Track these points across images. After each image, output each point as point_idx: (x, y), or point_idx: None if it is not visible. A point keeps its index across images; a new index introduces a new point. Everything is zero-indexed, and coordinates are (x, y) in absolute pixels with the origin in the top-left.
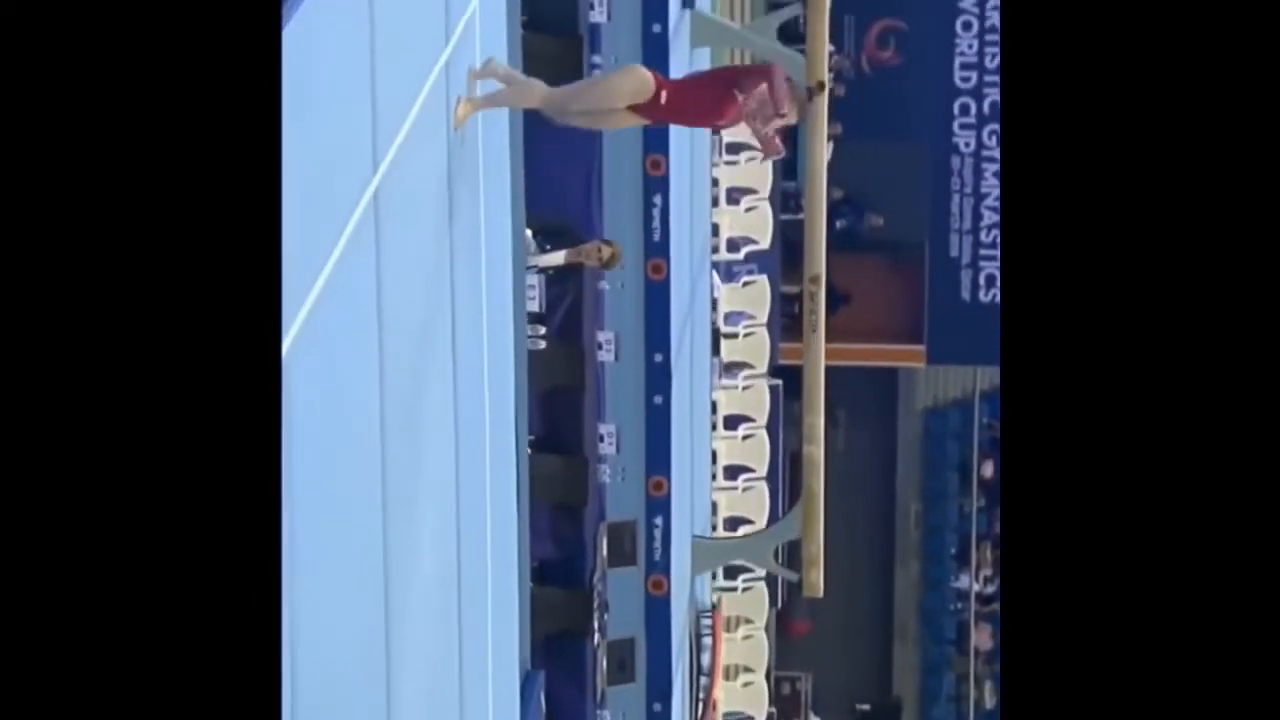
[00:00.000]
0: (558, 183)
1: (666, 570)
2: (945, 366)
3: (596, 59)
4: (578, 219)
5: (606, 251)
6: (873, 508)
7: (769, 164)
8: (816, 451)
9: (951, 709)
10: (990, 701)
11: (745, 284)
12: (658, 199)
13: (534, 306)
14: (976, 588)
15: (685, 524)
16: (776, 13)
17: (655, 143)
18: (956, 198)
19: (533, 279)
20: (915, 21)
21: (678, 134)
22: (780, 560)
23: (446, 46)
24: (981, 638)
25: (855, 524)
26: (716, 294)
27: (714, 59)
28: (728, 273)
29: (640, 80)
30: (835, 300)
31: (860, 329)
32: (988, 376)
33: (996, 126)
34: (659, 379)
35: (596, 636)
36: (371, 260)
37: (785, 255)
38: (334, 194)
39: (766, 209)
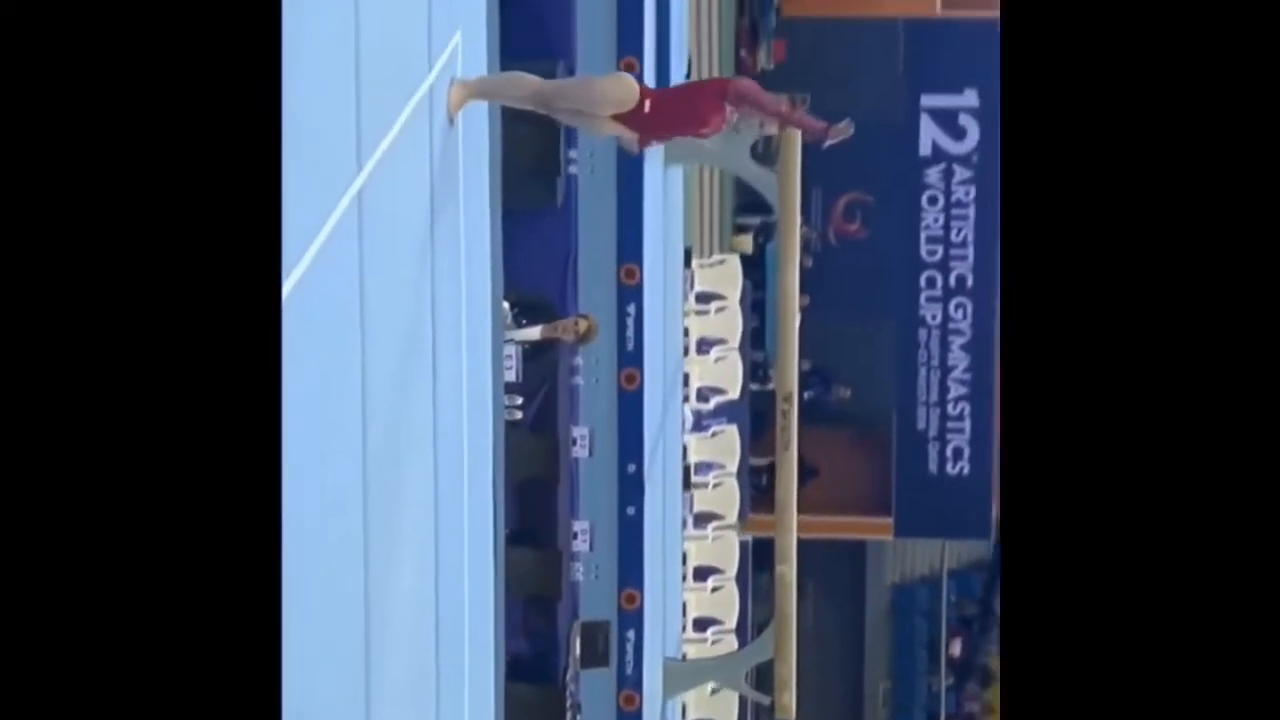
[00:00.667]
0: (535, 262)
1: (638, 686)
2: (913, 540)
3: (573, 153)
4: (554, 297)
5: (583, 325)
6: (841, 684)
7: (738, 316)
8: (789, 572)
9: None
10: None
11: (714, 434)
12: (631, 308)
13: (511, 377)
14: None
15: (658, 639)
16: (748, 131)
17: (629, 251)
18: (923, 371)
19: (510, 349)
20: (881, 195)
21: (651, 243)
22: (751, 683)
23: (429, 72)
24: None
25: (824, 699)
26: (686, 439)
27: (686, 177)
28: (697, 423)
29: (626, 88)
30: (803, 474)
31: (828, 502)
32: (955, 553)
33: (963, 299)
34: (632, 490)
35: None
36: (355, 319)
37: (754, 426)
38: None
39: (736, 359)
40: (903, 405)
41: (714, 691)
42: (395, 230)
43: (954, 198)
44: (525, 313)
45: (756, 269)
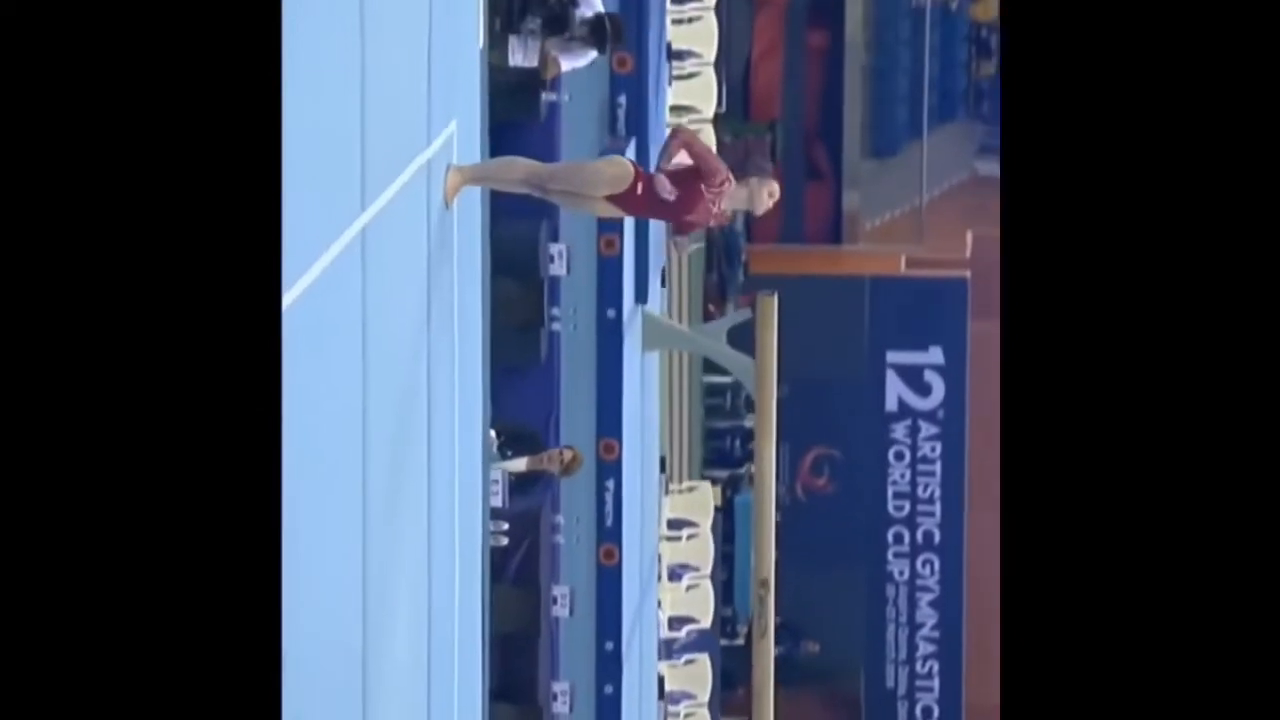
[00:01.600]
0: (520, 401)
1: None
2: None
3: (555, 310)
4: (540, 427)
5: (568, 455)
6: None
7: (710, 544)
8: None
9: None
10: None
11: (687, 662)
12: (610, 483)
13: (497, 502)
14: None
15: None
16: (726, 318)
17: (608, 426)
18: (891, 627)
19: (496, 473)
20: (848, 450)
21: (630, 418)
22: None
23: (428, 146)
24: None
25: None
26: (658, 668)
27: (662, 360)
28: (668, 650)
29: (620, 169)
30: None
31: None
32: None
33: (930, 555)
34: (610, 668)
35: None
36: (357, 346)
37: (722, 686)
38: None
39: (708, 587)
40: (871, 662)
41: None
42: (396, 283)
43: (920, 453)
44: (511, 443)
45: (726, 520)
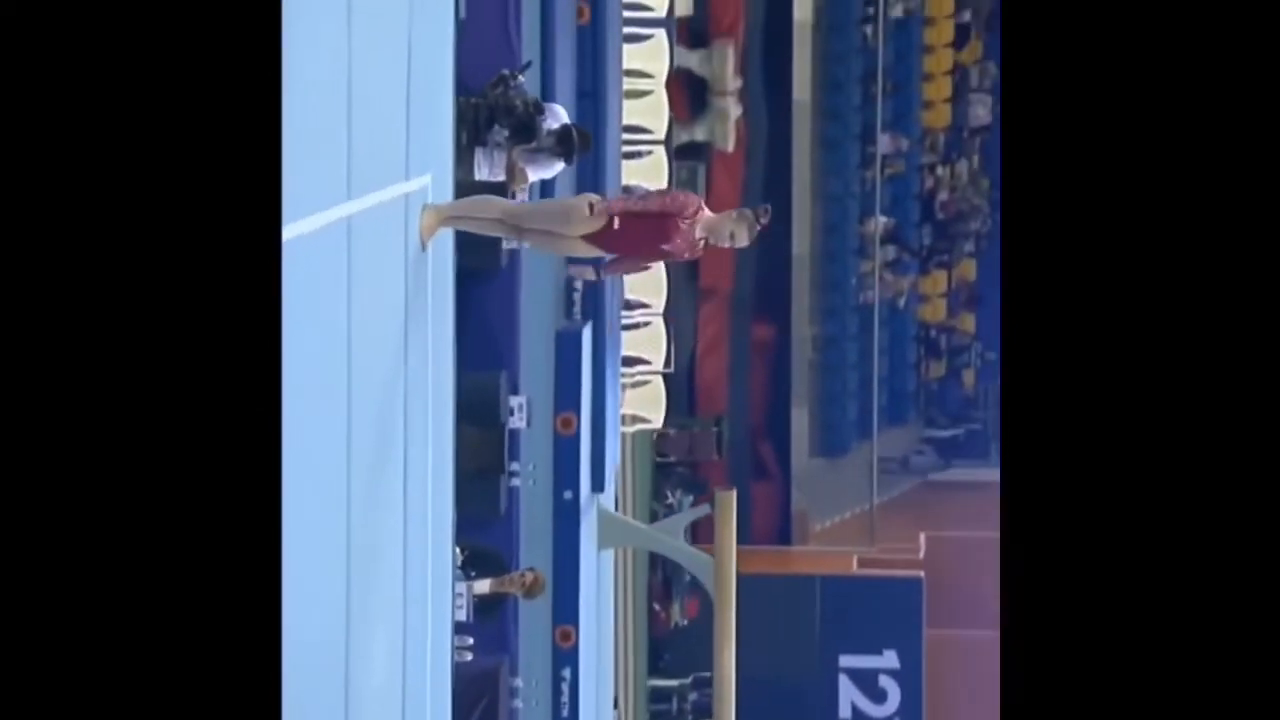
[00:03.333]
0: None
1: None
2: None
3: (515, 465)
4: (503, 548)
5: (529, 578)
6: None
7: None
8: None
9: None
10: None
11: None
12: (566, 671)
13: (461, 616)
14: None
15: None
16: (684, 513)
17: (565, 613)
18: None
19: (461, 587)
20: None
21: (586, 604)
22: None
23: (406, 180)
24: None
25: None
26: None
27: (618, 557)
28: None
29: (592, 211)
30: None
31: None
32: None
33: None
34: None
35: None
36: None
37: None
38: None
39: None
40: None
41: None
42: (377, 297)
43: None
44: (474, 562)
45: None
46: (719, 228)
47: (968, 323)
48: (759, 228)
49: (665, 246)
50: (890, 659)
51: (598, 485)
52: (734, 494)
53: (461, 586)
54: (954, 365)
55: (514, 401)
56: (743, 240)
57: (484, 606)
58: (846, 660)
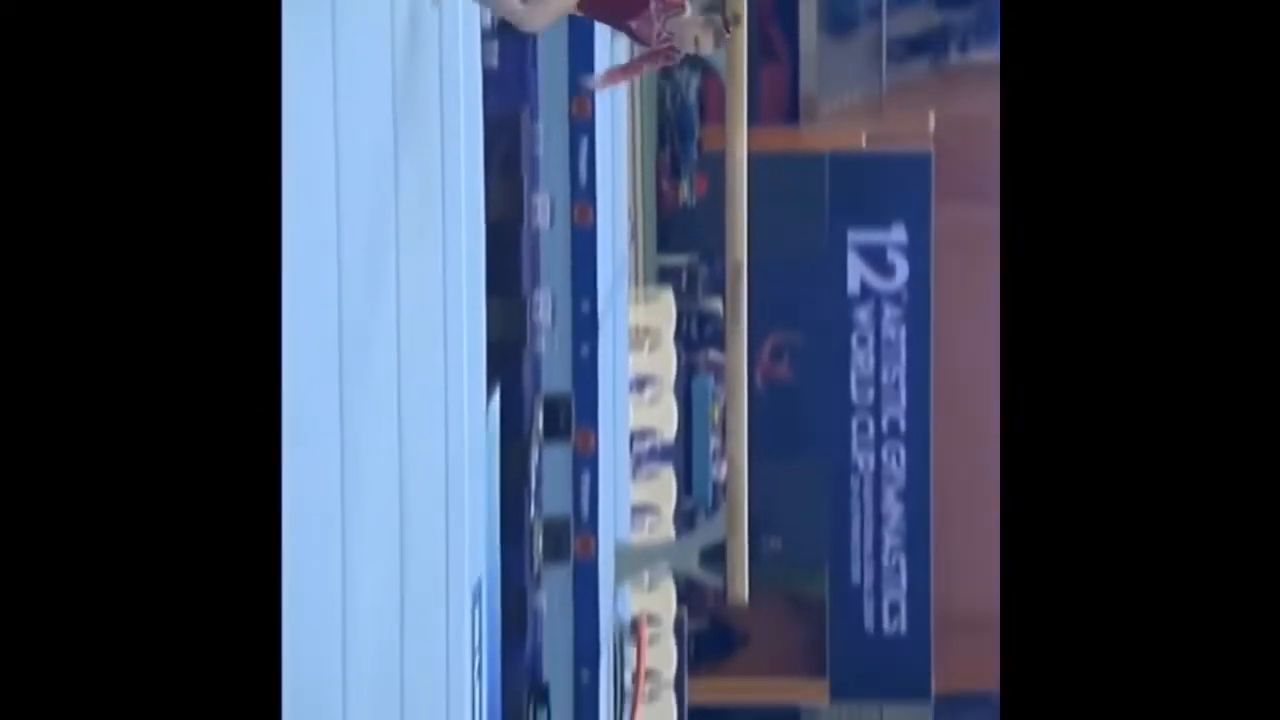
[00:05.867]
0: None
1: None
2: (849, 712)
3: None
4: None
5: None
6: None
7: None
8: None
9: None
10: None
11: None
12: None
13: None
14: None
15: None
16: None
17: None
18: (856, 520)
19: None
20: (809, 335)
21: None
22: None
23: None
24: None
25: None
26: None
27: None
28: None
29: None
30: (733, 641)
31: (760, 666)
32: None
33: (896, 444)
34: None
35: None
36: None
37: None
38: None
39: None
40: (836, 558)
41: (651, 587)
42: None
43: (884, 337)
44: None
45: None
46: (684, 31)
47: None
48: (726, 37)
49: (631, 23)
50: (899, 234)
51: None
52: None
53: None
54: None
55: None
56: (707, 48)
57: None
58: (855, 235)
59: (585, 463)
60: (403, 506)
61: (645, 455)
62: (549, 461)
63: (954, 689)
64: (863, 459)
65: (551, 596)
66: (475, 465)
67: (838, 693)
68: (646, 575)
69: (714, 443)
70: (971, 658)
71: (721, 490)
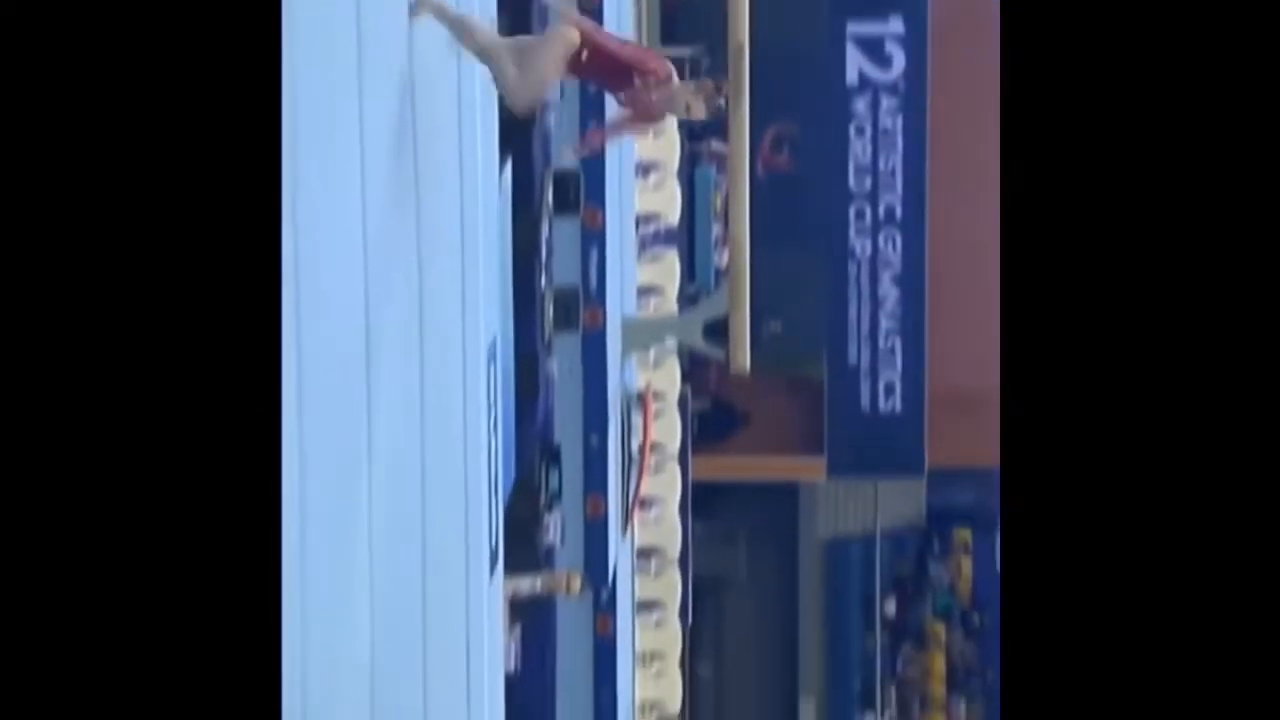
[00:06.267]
0: None
1: None
2: (846, 489)
3: None
4: None
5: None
6: (775, 640)
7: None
8: (742, 234)
9: None
10: None
11: None
12: None
13: None
14: None
15: None
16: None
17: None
18: (854, 304)
19: None
20: (808, 126)
21: None
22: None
23: None
24: None
25: (758, 655)
26: None
27: None
28: None
29: (567, 39)
30: (734, 421)
31: (760, 445)
32: (888, 512)
33: (892, 231)
34: None
35: None
36: None
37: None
38: None
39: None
40: (834, 340)
41: (656, 365)
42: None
43: (881, 127)
44: None
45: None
46: (676, 100)
47: None
48: (718, 101)
49: (619, 94)
50: (896, 25)
51: None
52: None
53: None
54: None
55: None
56: (699, 113)
57: None
58: (854, 27)
59: (593, 237)
60: (421, 268)
61: (650, 239)
62: (559, 235)
63: (946, 464)
64: (860, 245)
65: (562, 363)
66: (489, 233)
67: (834, 469)
68: (652, 353)
69: (716, 230)
70: (963, 434)
71: (724, 275)
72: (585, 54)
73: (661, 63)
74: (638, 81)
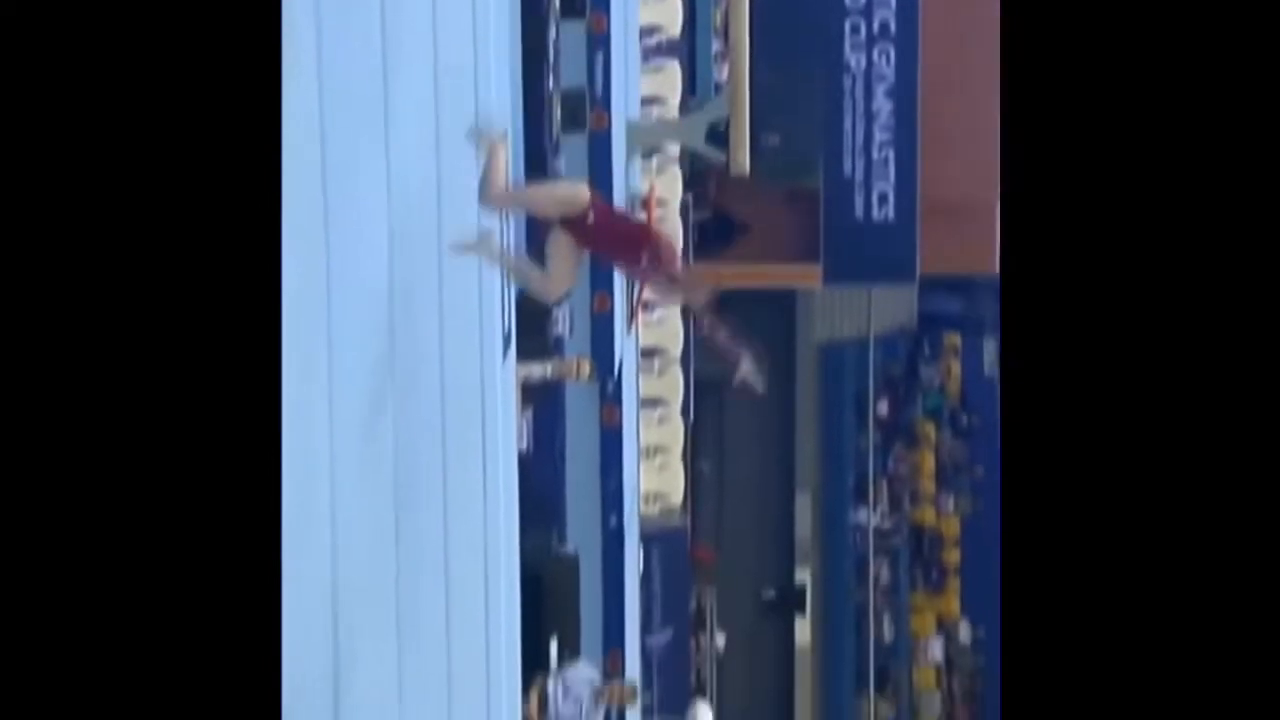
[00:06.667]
0: None
1: None
2: (841, 295)
3: None
4: None
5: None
6: (772, 441)
7: None
8: (742, 46)
9: (851, 640)
10: (889, 634)
11: None
12: None
13: None
14: (875, 522)
15: None
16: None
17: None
18: (849, 118)
19: None
20: None
21: None
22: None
23: None
24: (879, 571)
25: (756, 455)
26: None
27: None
28: None
29: (575, 192)
30: (733, 231)
31: (758, 254)
32: (880, 316)
33: (886, 45)
34: None
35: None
36: None
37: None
38: None
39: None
40: (829, 152)
41: (659, 171)
42: None
43: None
44: None
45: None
46: (670, 293)
47: None
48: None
49: (618, 261)
50: None
51: None
52: None
53: None
54: None
55: None
56: (698, 300)
57: None
58: None
59: (599, 41)
60: (436, 67)
61: (652, 50)
62: (566, 39)
63: (937, 271)
64: (855, 59)
65: (569, 162)
66: (500, 36)
67: (830, 276)
68: (654, 160)
69: (715, 46)
70: (953, 243)
71: (723, 89)
72: (592, 217)
73: (665, 241)
74: (645, 260)
